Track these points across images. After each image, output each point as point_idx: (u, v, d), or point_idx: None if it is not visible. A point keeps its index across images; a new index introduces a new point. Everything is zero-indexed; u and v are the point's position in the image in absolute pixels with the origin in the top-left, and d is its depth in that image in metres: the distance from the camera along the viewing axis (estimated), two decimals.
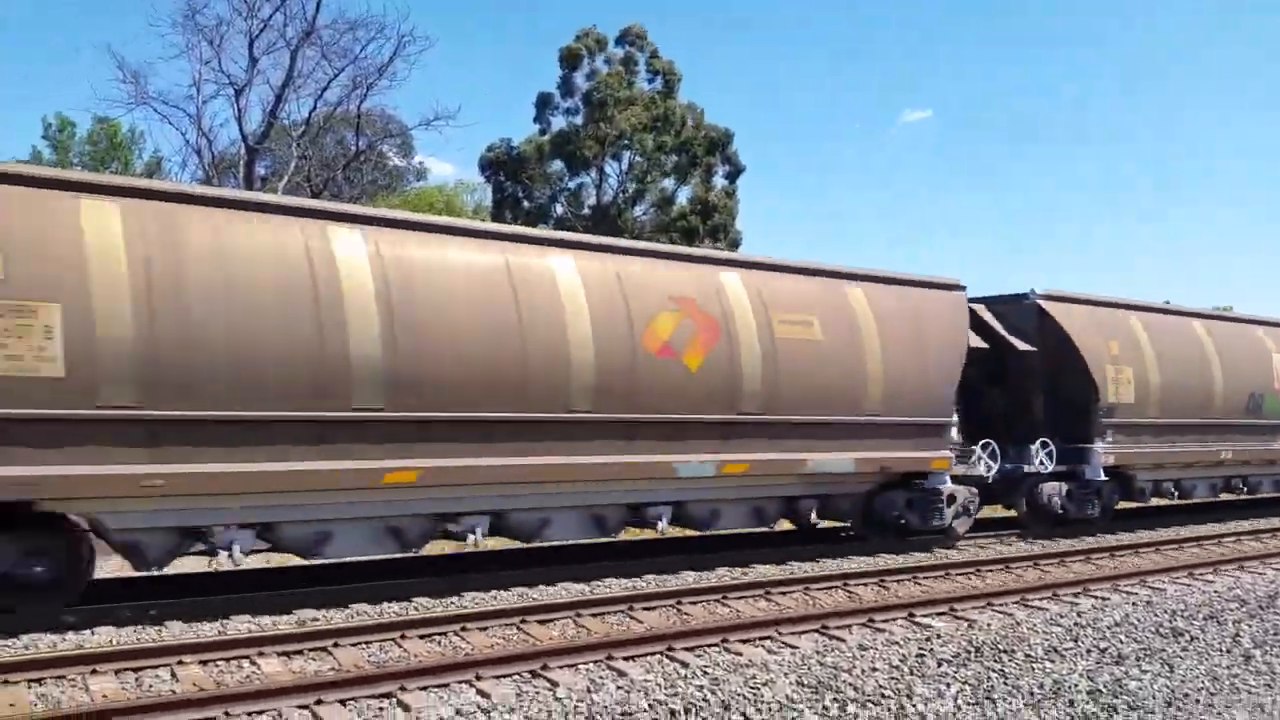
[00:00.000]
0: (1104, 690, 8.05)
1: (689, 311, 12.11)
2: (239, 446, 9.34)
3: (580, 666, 8.12)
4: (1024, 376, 16.54)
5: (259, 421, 9.43)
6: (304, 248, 9.87)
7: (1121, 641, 9.42)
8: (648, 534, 13.15)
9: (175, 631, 8.91)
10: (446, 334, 10.38)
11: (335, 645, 8.45)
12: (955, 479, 14.70)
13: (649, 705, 7.11)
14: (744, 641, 9.03)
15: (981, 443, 15.33)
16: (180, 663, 7.83)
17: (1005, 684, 8.07)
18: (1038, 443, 15.91)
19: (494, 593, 10.70)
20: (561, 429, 11.09)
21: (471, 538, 10.86)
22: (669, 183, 38.35)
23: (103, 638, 8.62)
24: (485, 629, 9.20)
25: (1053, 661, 8.74)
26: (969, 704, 7.60)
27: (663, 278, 12.23)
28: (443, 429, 10.35)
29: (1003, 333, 16.07)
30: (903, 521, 14.38)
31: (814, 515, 14.10)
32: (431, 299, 10.39)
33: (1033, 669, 8.51)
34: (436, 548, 12.42)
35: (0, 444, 8.31)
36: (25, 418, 8.35)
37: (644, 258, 12.47)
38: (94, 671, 7.55)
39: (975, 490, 14.99)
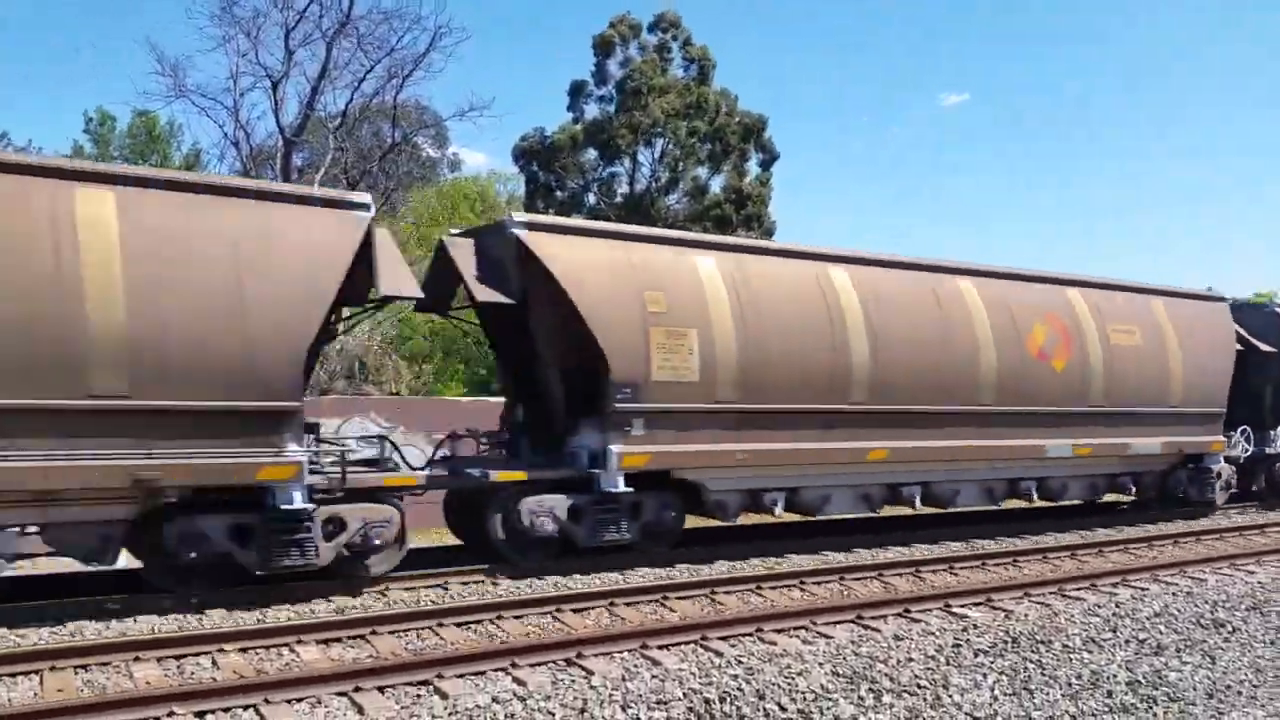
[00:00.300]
0: (1143, 681, 7.98)
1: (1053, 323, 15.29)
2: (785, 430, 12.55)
3: (615, 655, 8.16)
4: (1261, 373, 18.87)
5: (797, 413, 12.60)
6: (815, 281, 13.11)
7: (1161, 632, 9.31)
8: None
9: (216, 620, 9.05)
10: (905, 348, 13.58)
11: (373, 633, 8.55)
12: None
13: (683, 694, 7.14)
14: (778, 631, 9.02)
15: (1240, 429, 17.95)
16: (221, 650, 7.97)
17: (1042, 674, 8.02)
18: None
19: (529, 581, 10.77)
20: (973, 417, 14.24)
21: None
22: (702, 171, 38.19)
23: (145, 626, 8.77)
24: (520, 618, 9.26)
25: (1090, 652, 8.67)
26: (1006, 694, 7.56)
27: (1033, 296, 15.39)
28: (901, 418, 13.53)
29: (1247, 335, 18.48)
30: (1182, 495, 17.11)
31: (1133, 489, 16.70)
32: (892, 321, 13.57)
33: (1070, 659, 8.44)
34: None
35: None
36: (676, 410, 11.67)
37: (1016, 280, 15.47)
38: (137, 659, 7.70)
39: (1233, 468, 17.67)
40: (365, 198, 10.33)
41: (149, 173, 10.05)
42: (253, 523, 9.53)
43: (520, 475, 11.11)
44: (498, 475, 11.04)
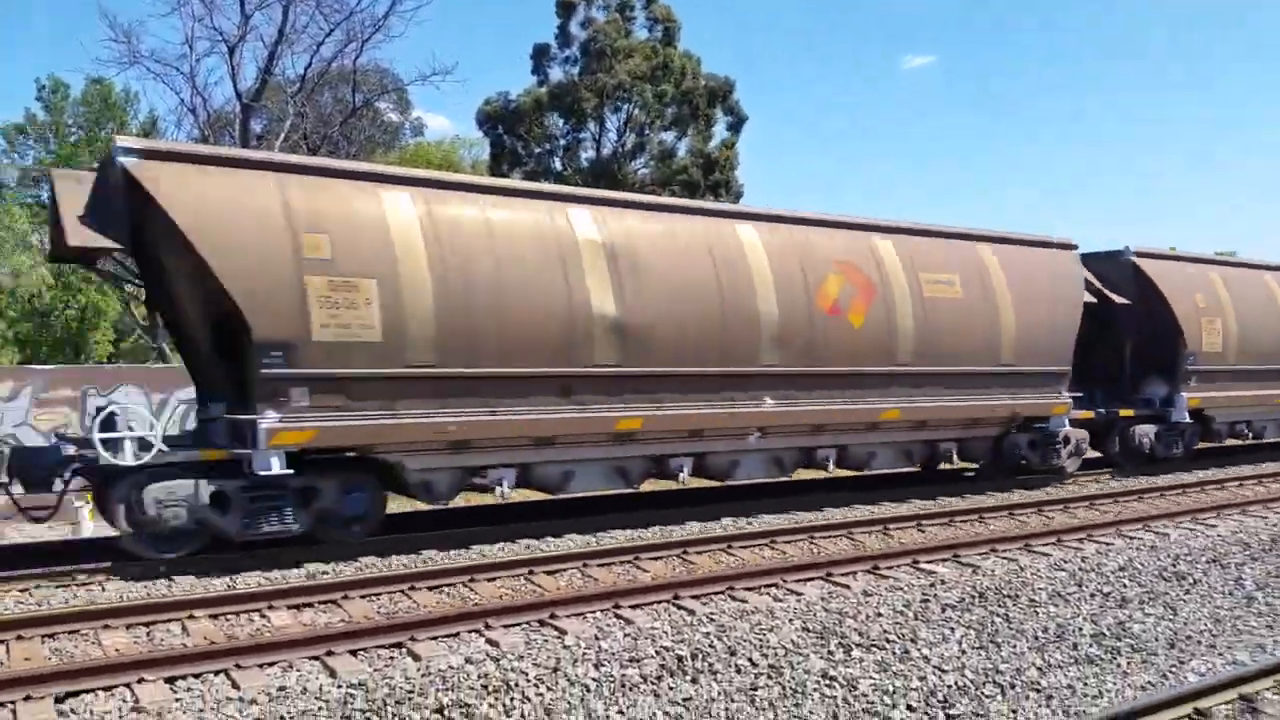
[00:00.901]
0: (1108, 633, 8.12)
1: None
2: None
3: (588, 615, 8.20)
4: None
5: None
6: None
7: (1125, 585, 9.48)
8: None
9: (185, 586, 8.99)
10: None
11: (345, 598, 8.53)
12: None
13: (656, 651, 7.17)
14: (749, 589, 9.10)
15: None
16: (191, 617, 7.92)
17: (1009, 628, 8.14)
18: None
19: (501, 545, 10.77)
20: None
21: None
22: (669, 135, 37.99)
23: (113, 593, 8.69)
24: (493, 580, 9.27)
25: (1056, 606, 8.81)
26: (973, 648, 7.66)
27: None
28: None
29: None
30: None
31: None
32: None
33: (1036, 613, 8.57)
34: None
35: None
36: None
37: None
38: (106, 626, 7.63)
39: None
40: (1072, 241, 12.66)
41: None
42: (1037, 439, 14.59)
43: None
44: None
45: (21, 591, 8.67)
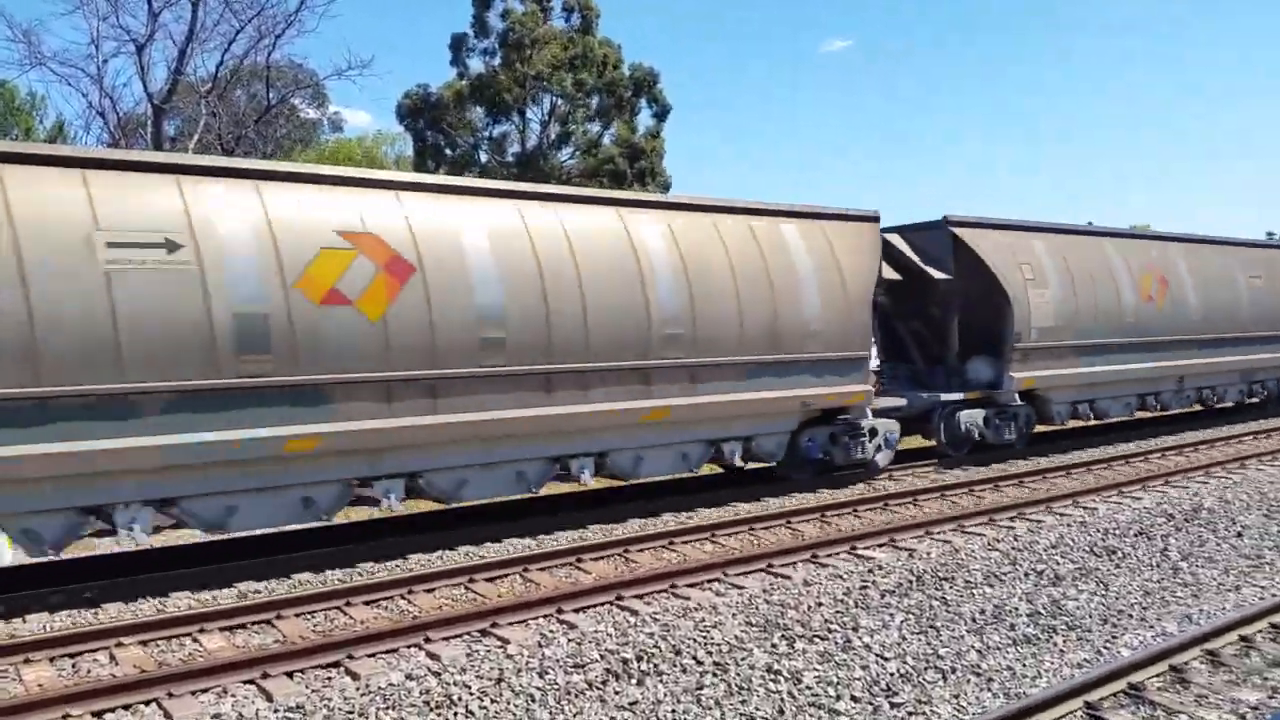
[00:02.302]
0: (1043, 612, 8.27)
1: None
2: None
3: (530, 622, 8.13)
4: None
5: None
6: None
7: (1058, 563, 9.68)
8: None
9: (113, 613, 8.68)
10: None
11: (279, 617, 8.32)
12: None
13: (601, 655, 7.12)
14: (692, 585, 9.10)
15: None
16: (119, 644, 7.66)
17: (947, 611, 8.25)
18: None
19: (440, 553, 10.61)
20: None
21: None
22: (594, 126, 37.80)
23: (35, 625, 8.36)
24: (432, 590, 9.13)
25: (992, 586, 8.95)
26: (913, 633, 7.75)
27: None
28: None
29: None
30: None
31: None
32: None
33: (973, 595, 8.70)
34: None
35: None
36: None
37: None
38: (27, 661, 7.33)
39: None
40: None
41: None
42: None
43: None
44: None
45: None
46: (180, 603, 8.92)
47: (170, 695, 6.60)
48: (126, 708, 6.48)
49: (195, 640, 7.86)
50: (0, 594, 8.84)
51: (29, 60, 28.15)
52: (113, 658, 7.48)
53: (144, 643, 7.75)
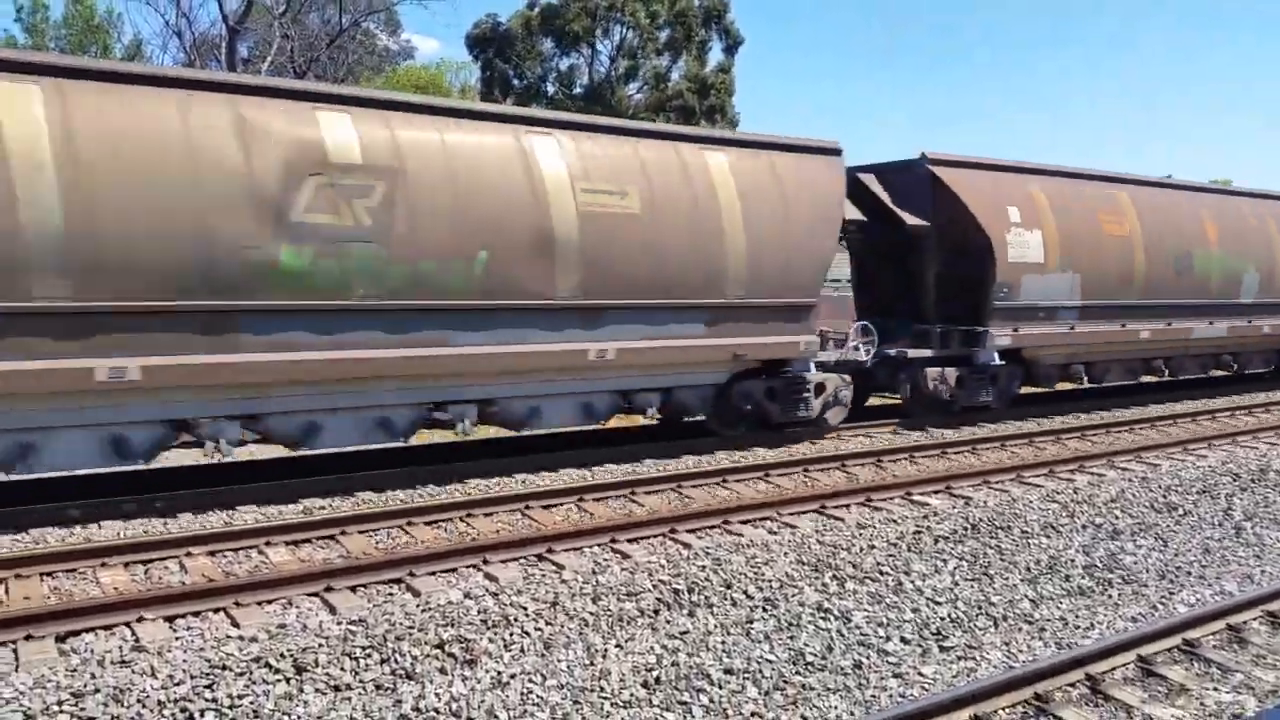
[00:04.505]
0: (1099, 565, 8.20)
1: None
2: None
3: (585, 550, 8.27)
4: (916, 252, 15.00)
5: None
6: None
7: (1117, 517, 9.57)
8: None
9: (182, 523, 9.00)
10: None
11: (343, 533, 8.56)
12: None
13: (653, 585, 7.24)
14: (744, 522, 9.17)
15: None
16: (189, 554, 7.94)
17: (1001, 559, 8.22)
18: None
19: (497, 479, 10.79)
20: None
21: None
22: (663, 60, 37.31)
23: (109, 531, 8.71)
24: (490, 515, 9.31)
25: (1049, 537, 8.89)
26: (966, 579, 7.75)
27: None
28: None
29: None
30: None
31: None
32: None
33: (1029, 545, 8.66)
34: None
35: None
36: None
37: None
38: (103, 564, 7.66)
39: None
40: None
41: None
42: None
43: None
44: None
45: (17, 530, 8.67)
46: (247, 516, 9.21)
47: (237, 604, 6.85)
48: (196, 614, 6.74)
49: (261, 553, 8.12)
50: (78, 500, 9.21)
51: None
52: (182, 566, 7.77)
53: (212, 553, 8.03)
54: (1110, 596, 7.57)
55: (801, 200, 12.70)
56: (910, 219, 14.43)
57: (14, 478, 9.08)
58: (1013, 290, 14.71)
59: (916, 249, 14.93)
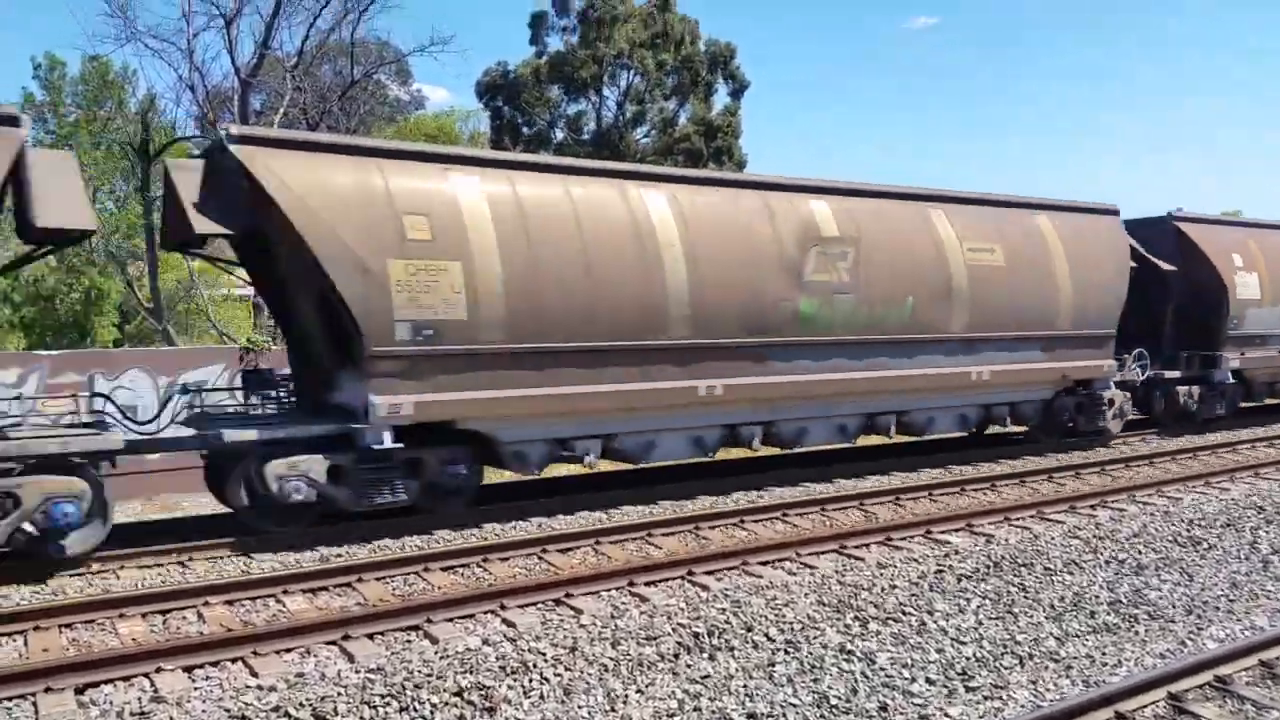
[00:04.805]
0: (1124, 600, 8.10)
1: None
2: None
3: (603, 593, 8.21)
4: (1159, 290, 18.17)
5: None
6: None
7: (1140, 552, 9.45)
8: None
9: (200, 572, 8.98)
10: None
11: (359, 580, 8.53)
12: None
13: (672, 629, 7.17)
14: (764, 563, 9.10)
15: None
16: (206, 603, 7.91)
17: (1025, 597, 8.12)
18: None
19: (513, 524, 10.75)
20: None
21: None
22: (670, 104, 37.65)
23: (128, 581, 8.68)
24: (506, 559, 9.27)
25: (1072, 574, 8.79)
26: (990, 618, 7.65)
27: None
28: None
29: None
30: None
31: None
32: None
33: (1052, 581, 8.55)
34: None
35: None
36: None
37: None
38: (121, 615, 7.63)
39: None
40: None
41: None
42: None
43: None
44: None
45: (37, 582, 8.66)
46: (264, 564, 9.18)
47: (255, 654, 6.80)
48: (214, 664, 6.69)
49: (279, 601, 8.09)
50: (98, 551, 9.21)
51: (124, 35, 28.95)
52: (200, 616, 7.74)
53: (230, 602, 8.00)
54: (1137, 632, 7.45)
55: (1101, 251, 16.32)
56: (1164, 265, 17.73)
57: (642, 465, 12.27)
58: (1239, 322, 18.43)
59: (1159, 288, 18.10)
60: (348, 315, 9.84)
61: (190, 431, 10.11)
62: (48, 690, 6.16)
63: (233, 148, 9.59)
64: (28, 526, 8.63)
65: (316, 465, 9.82)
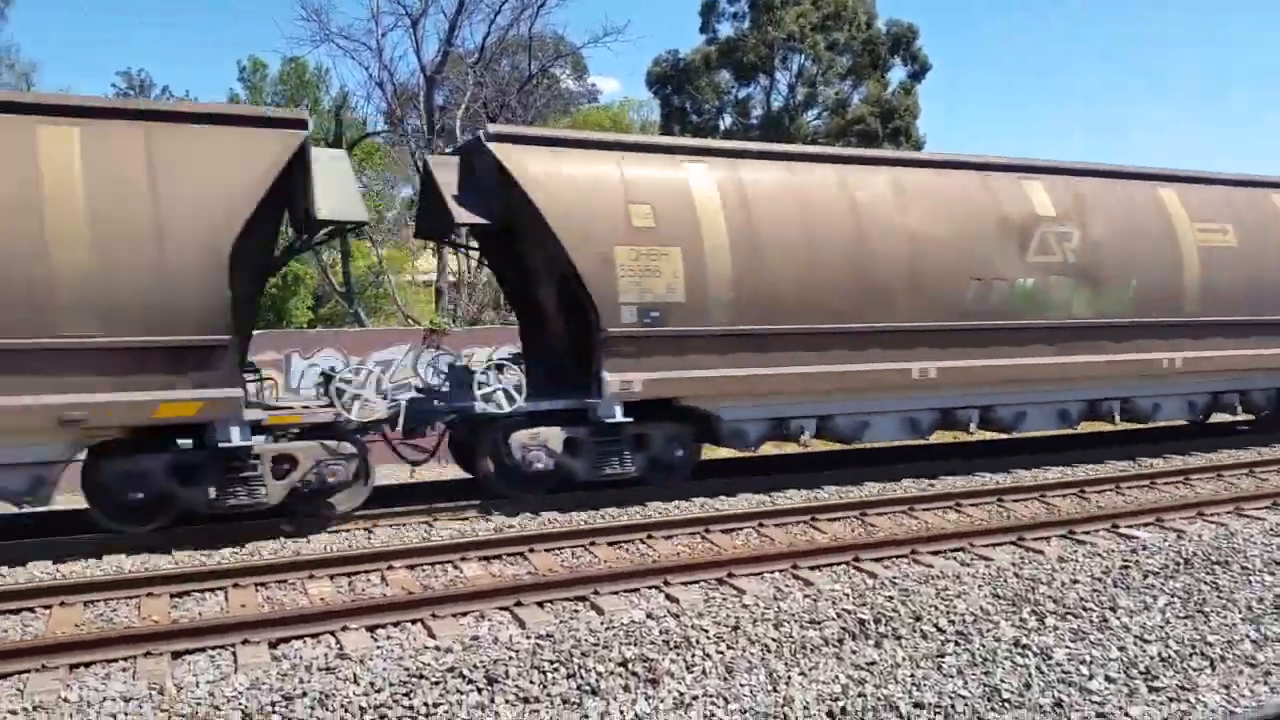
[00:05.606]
0: None
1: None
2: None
3: (766, 575, 8.18)
4: None
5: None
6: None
7: None
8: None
9: (383, 538, 9.48)
10: None
11: (530, 550, 8.82)
12: None
13: (836, 614, 7.08)
14: (934, 553, 8.85)
15: None
16: (390, 567, 8.34)
17: (1219, 597, 7.62)
18: None
19: (676, 503, 10.86)
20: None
21: None
22: (844, 85, 36.93)
23: (317, 545, 9.25)
24: (670, 537, 9.37)
25: (1273, 574, 8.18)
26: (1178, 617, 7.21)
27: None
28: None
29: None
30: None
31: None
32: None
33: (1250, 582, 7.99)
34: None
35: None
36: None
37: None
38: (311, 576, 8.14)
39: None
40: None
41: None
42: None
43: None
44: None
45: (235, 544, 9.34)
46: (443, 533, 9.61)
47: (434, 616, 7.12)
48: (396, 624, 7.06)
49: (456, 567, 8.46)
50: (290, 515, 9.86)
51: (319, 37, 30.61)
52: (384, 579, 8.17)
53: (411, 567, 8.41)
54: None
55: None
56: None
57: (855, 446, 12.81)
58: None
59: None
60: (587, 298, 10.44)
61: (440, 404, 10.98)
62: (245, 642, 6.63)
63: (489, 145, 10.43)
64: (303, 486, 9.61)
65: (555, 437, 10.55)
